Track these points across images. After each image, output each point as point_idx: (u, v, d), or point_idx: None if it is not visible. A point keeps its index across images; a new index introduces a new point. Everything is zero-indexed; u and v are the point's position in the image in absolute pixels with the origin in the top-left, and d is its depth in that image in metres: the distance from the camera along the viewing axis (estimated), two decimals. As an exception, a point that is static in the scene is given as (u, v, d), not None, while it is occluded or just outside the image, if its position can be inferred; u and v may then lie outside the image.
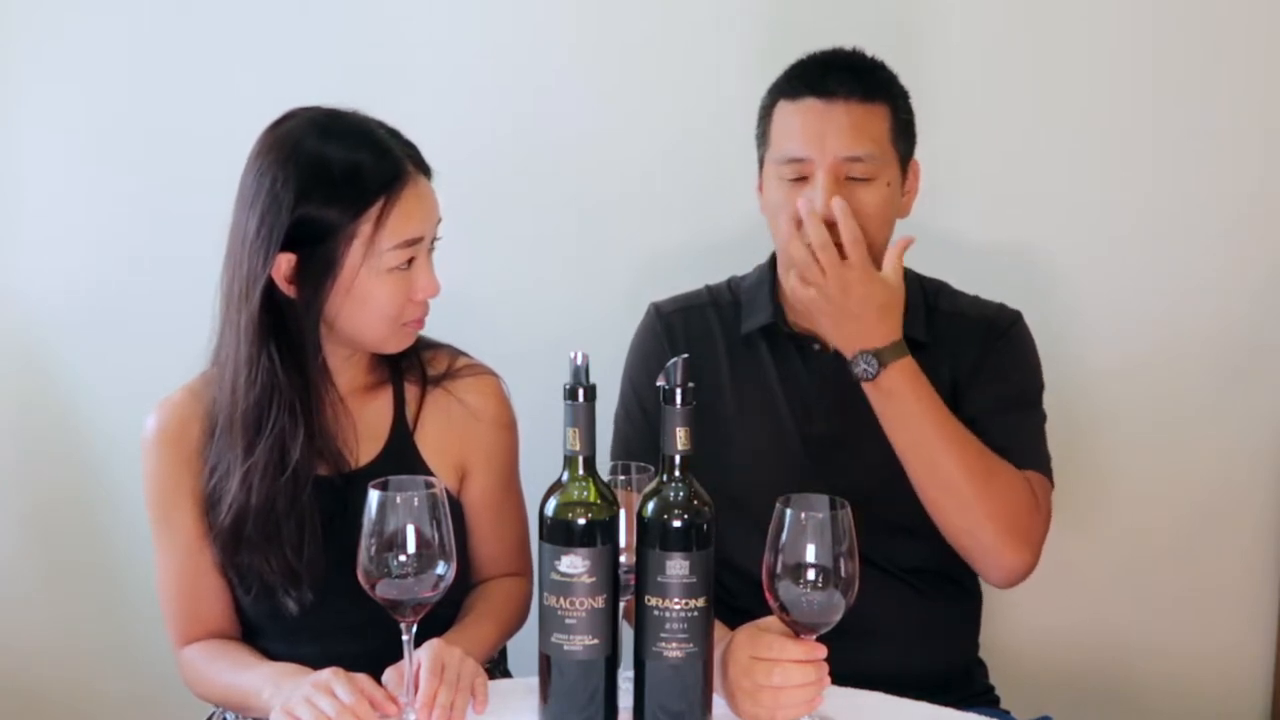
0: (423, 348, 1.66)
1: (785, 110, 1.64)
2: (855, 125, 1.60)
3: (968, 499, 1.54)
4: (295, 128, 1.51)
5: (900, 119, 1.65)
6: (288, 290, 1.51)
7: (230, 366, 1.53)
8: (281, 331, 1.51)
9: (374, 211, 1.48)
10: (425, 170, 1.56)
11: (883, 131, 1.62)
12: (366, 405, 1.62)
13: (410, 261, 1.52)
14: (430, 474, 1.59)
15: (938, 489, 1.56)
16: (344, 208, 1.47)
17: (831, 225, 1.54)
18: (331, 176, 1.47)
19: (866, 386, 1.55)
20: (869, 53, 1.69)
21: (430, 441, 1.63)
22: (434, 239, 1.57)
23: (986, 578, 1.66)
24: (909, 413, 1.53)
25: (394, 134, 1.56)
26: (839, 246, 1.53)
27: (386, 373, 1.65)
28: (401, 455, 1.60)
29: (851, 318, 1.52)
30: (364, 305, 1.51)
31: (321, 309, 1.51)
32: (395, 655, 1.35)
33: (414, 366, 1.65)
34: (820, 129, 1.60)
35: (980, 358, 1.68)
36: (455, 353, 1.69)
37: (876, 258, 1.60)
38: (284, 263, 1.49)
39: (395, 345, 1.59)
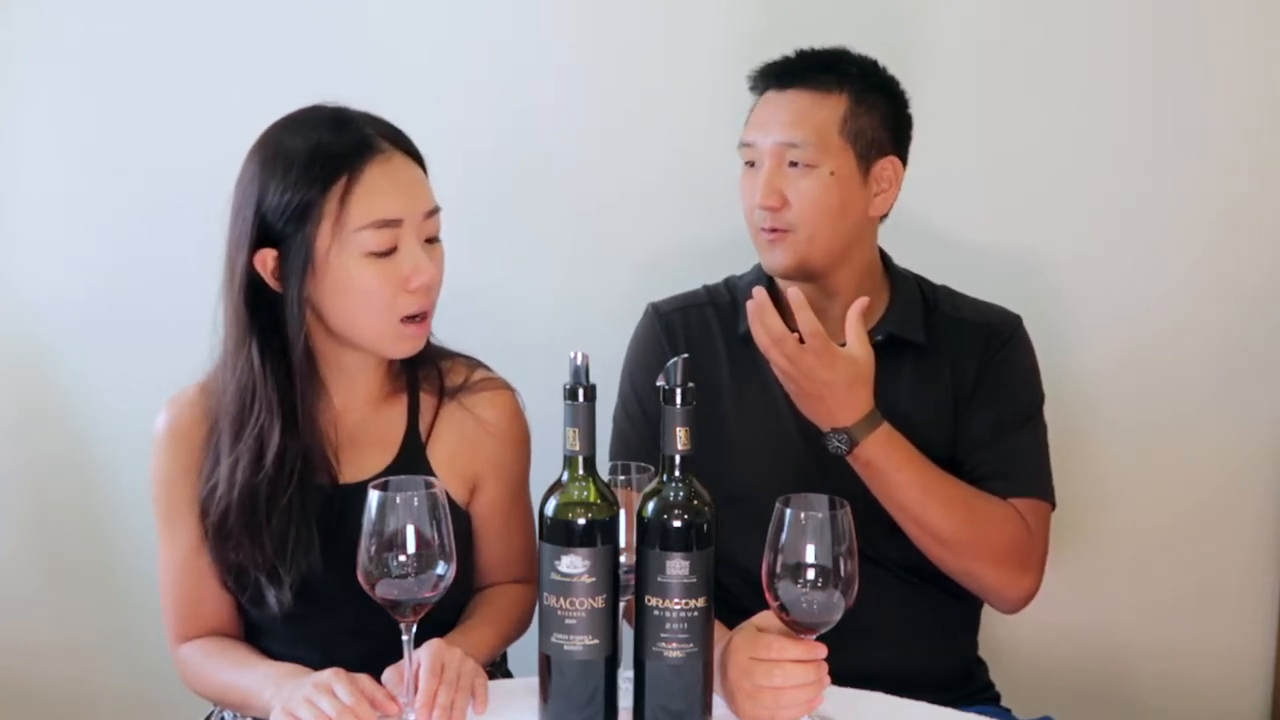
0: (441, 357, 1.64)
1: (754, 103, 1.70)
2: (797, 113, 1.64)
3: (959, 548, 1.58)
4: (270, 127, 1.52)
5: (862, 113, 1.64)
6: (275, 285, 1.49)
7: (222, 360, 1.54)
8: (270, 329, 1.50)
9: (338, 188, 1.44)
10: (408, 152, 1.52)
11: (828, 121, 1.63)
12: (381, 415, 1.61)
13: (394, 249, 1.46)
14: None
15: (929, 541, 1.58)
16: (305, 187, 1.44)
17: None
18: (291, 162, 1.45)
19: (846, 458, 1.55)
20: (859, 50, 1.69)
21: (442, 455, 1.60)
22: (432, 234, 1.51)
23: (994, 607, 1.69)
24: (890, 481, 1.55)
25: (372, 118, 1.51)
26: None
27: (404, 382, 1.62)
28: (412, 466, 1.57)
29: (817, 399, 1.51)
30: (347, 294, 1.47)
31: (303, 299, 1.48)
32: (395, 656, 1.35)
33: (431, 376, 1.62)
34: (766, 117, 1.67)
35: (980, 371, 1.68)
36: (474, 364, 1.66)
37: (826, 250, 1.64)
38: (269, 259, 1.48)
39: (399, 347, 1.52)
